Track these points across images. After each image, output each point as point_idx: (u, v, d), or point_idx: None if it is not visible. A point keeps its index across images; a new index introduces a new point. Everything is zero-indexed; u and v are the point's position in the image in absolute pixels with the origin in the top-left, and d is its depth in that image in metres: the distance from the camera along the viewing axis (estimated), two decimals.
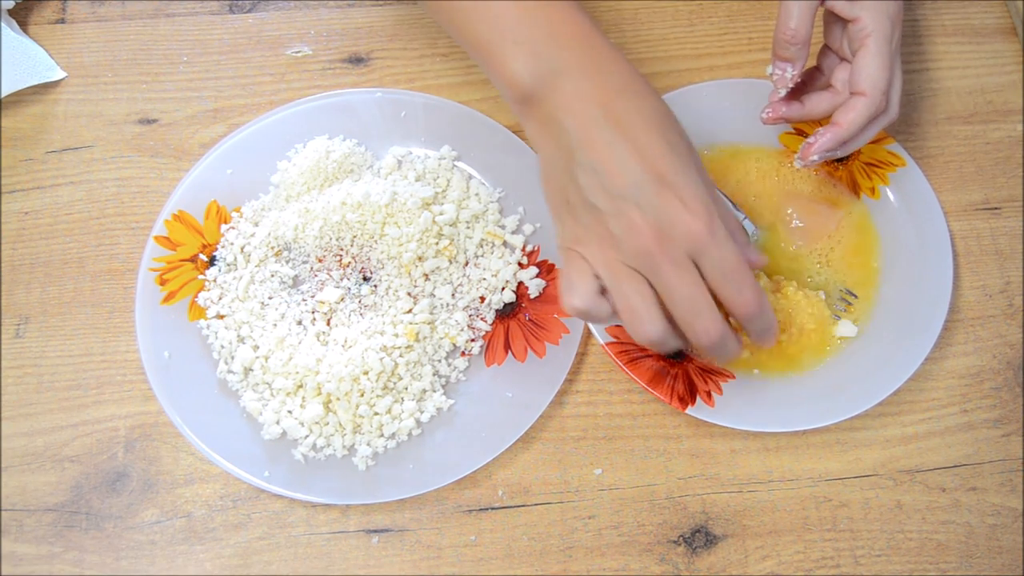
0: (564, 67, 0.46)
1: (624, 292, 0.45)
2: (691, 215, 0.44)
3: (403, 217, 0.60)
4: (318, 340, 0.57)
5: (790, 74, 0.56)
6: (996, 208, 0.64)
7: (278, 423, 0.55)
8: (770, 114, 0.58)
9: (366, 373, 0.55)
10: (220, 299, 0.59)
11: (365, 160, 0.64)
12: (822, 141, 0.55)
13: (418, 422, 0.56)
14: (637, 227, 0.44)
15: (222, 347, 0.58)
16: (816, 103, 0.58)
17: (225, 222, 0.62)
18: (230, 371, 0.57)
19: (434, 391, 0.57)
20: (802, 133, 0.64)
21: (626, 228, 0.44)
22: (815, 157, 0.56)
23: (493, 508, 0.56)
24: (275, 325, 0.58)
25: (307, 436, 0.55)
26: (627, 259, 0.45)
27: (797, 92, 0.58)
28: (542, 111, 0.47)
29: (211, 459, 0.54)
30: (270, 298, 0.59)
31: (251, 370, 0.57)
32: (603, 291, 0.47)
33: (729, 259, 0.45)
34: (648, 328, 0.46)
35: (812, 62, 0.59)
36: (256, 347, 0.57)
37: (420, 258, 0.59)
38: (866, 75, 0.53)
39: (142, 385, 0.58)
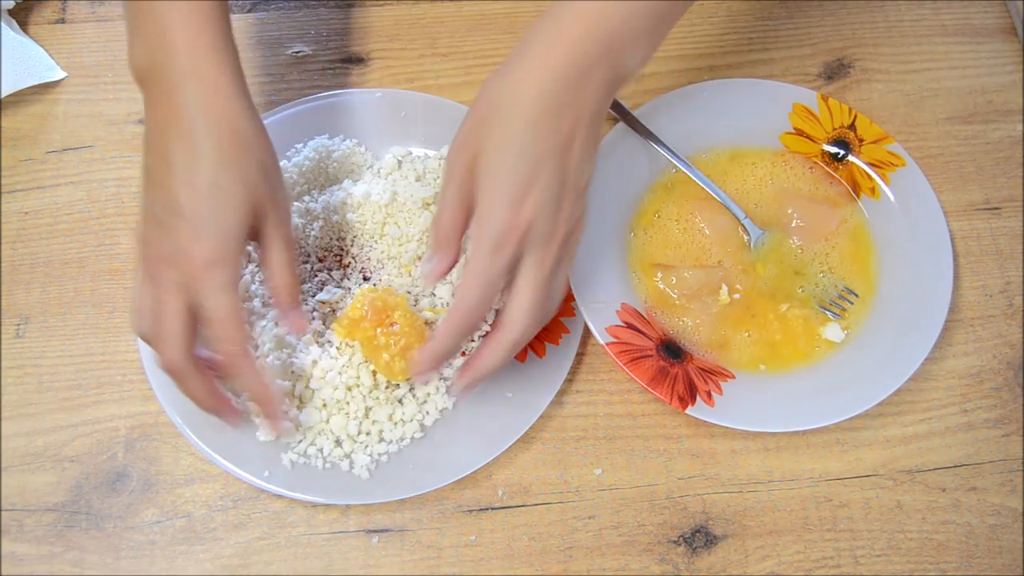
0: (168, 69, 0.47)
1: (141, 290, 0.49)
2: (198, 252, 0.46)
3: (403, 217, 0.60)
4: (317, 342, 0.57)
5: (437, 267, 0.49)
6: (996, 208, 0.64)
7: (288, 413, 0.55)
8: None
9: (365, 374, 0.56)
10: None
11: (365, 160, 0.64)
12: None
13: (422, 426, 0.56)
14: (157, 241, 0.47)
15: None
16: None
17: None
18: None
19: (437, 392, 0.57)
20: (802, 133, 0.64)
21: (152, 238, 0.48)
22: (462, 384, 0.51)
23: (493, 508, 0.56)
24: (276, 324, 0.58)
25: (300, 441, 0.55)
26: (147, 264, 0.48)
27: None
28: (151, 89, 0.49)
29: (211, 459, 0.54)
30: (271, 298, 0.59)
31: None
32: None
33: (220, 304, 0.47)
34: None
35: None
36: (256, 347, 0.57)
37: (420, 258, 0.59)
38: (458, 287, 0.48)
39: (142, 385, 0.58)
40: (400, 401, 0.56)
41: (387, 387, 0.56)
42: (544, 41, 0.46)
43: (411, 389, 0.57)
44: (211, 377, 0.50)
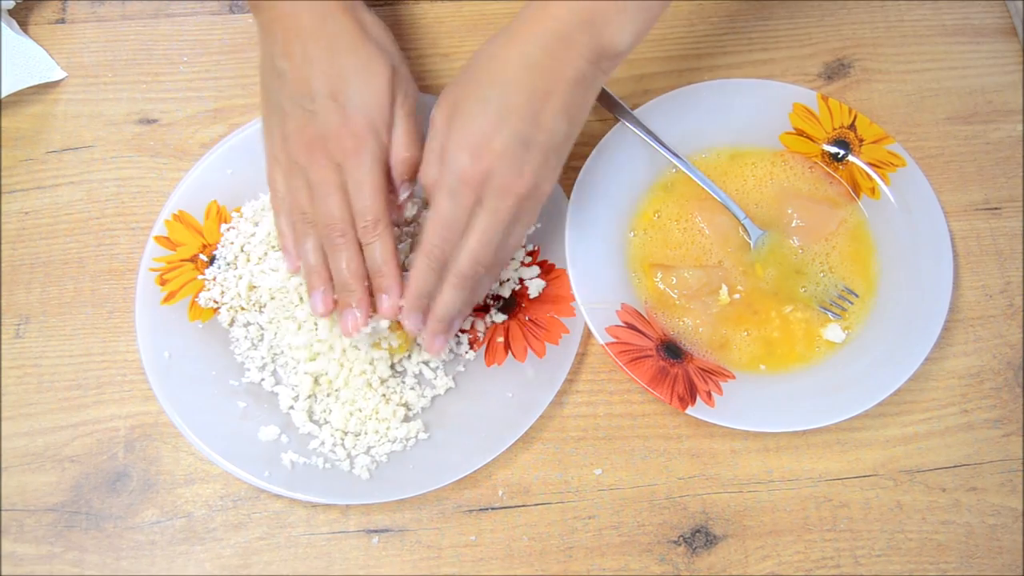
0: None
1: (293, 183, 0.53)
2: (347, 129, 0.50)
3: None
4: (314, 347, 0.57)
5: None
6: (996, 208, 0.64)
7: (291, 409, 0.56)
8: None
9: (364, 373, 0.56)
10: (222, 295, 0.59)
11: None
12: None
13: (426, 425, 0.56)
14: (302, 129, 0.51)
15: (249, 346, 0.59)
16: None
17: (225, 222, 0.61)
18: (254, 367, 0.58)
19: (436, 376, 0.58)
20: (802, 133, 0.64)
21: (295, 129, 0.52)
22: (410, 322, 0.52)
23: (493, 508, 0.56)
24: (285, 320, 0.58)
25: (304, 436, 0.55)
26: (293, 155, 0.52)
27: None
28: (263, 15, 0.54)
29: (211, 459, 0.54)
30: (272, 299, 0.59)
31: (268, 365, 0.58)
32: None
33: (366, 176, 0.51)
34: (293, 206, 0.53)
35: None
36: (271, 347, 0.58)
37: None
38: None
39: (142, 385, 0.58)
40: (400, 401, 0.56)
41: (383, 382, 0.56)
42: (531, 11, 0.49)
43: (412, 387, 0.57)
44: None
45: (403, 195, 0.54)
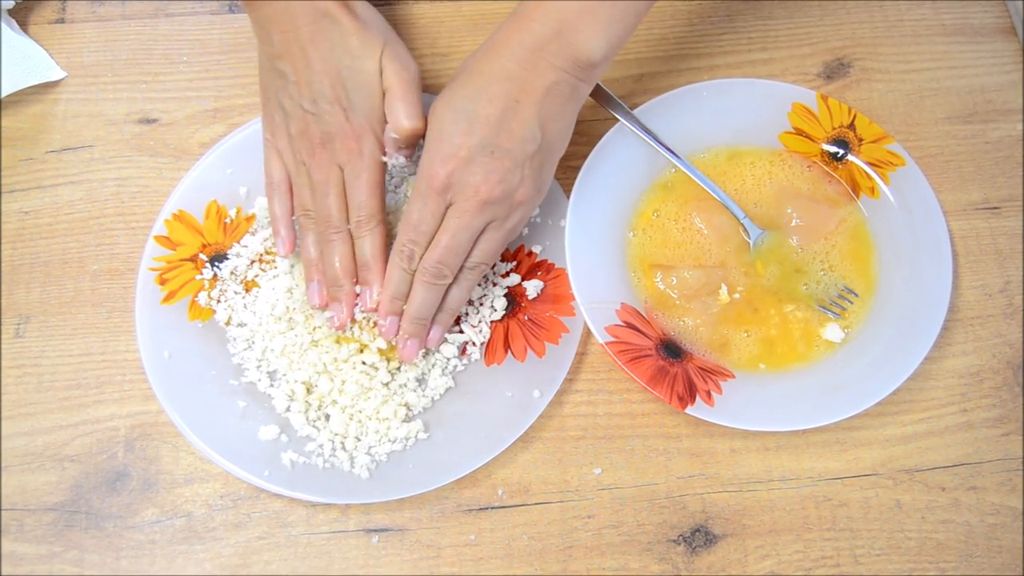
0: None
1: (297, 181, 0.56)
2: (348, 130, 0.53)
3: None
4: (315, 346, 0.57)
5: None
6: (996, 208, 0.64)
7: (288, 412, 0.56)
8: None
9: (368, 375, 0.56)
10: (221, 296, 0.59)
11: None
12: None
13: (426, 425, 0.56)
14: (305, 131, 0.54)
15: (243, 348, 0.59)
16: None
17: (225, 219, 0.61)
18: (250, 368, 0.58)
19: (437, 374, 0.58)
20: (801, 133, 0.64)
21: (299, 131, 0.54)
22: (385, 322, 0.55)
23: (493, 508, 0.56)
24: (276, 320, 0.58)
25: (304, 437, 0.55)
26: (298, 155, 0.55)
27: None
28: (257, 14, 0.54)
29: (211, 459, 0.54)
30: (276, 304, 0.59)
31: (261, 365, 0.58)
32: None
33: (363, 174, 0.54)
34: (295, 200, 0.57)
35: None
36: (265, 349, 0.58)
37: None
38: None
39: (142, 385, 0.58)
40: (401, 402, 0.56)
41: (386, 385, 0.56)
42: (510, 23, 0.52)
43: (413, 389, 0.57)
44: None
45: (393, 159, 0.55)
